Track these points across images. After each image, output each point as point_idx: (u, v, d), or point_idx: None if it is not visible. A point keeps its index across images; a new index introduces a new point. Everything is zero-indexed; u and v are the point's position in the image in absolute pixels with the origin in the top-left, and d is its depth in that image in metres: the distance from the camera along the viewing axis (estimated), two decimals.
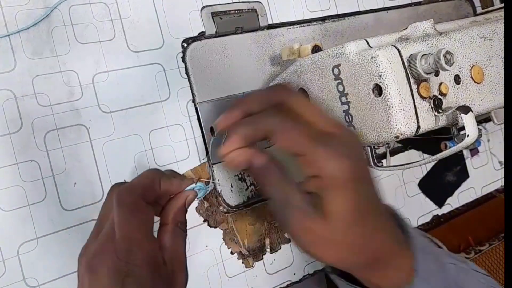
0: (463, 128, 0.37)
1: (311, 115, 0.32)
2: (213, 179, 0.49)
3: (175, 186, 0.36)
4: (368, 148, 0.46)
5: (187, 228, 0.51)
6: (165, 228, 0.34)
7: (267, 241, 0.56)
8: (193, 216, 0.52)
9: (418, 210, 0.69)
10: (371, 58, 0.36)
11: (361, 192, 0.31)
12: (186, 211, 0.36)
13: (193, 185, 0.37)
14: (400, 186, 0.67)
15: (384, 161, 0.60)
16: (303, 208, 0.31)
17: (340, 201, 0.30)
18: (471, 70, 0.40)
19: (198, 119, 0.53)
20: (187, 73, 0.53)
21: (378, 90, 0.37)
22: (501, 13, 0.50)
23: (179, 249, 0.33)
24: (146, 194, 0.33)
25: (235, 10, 0.56)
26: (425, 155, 0.69)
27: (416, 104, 0.37)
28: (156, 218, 0.37)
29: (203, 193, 0.38)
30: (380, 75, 0.36)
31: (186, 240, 0.34)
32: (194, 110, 0.53)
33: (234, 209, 0.54)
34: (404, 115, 0.36)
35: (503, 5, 0.61)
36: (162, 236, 0.34)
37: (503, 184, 0.77)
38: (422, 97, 0.37)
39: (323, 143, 0.31)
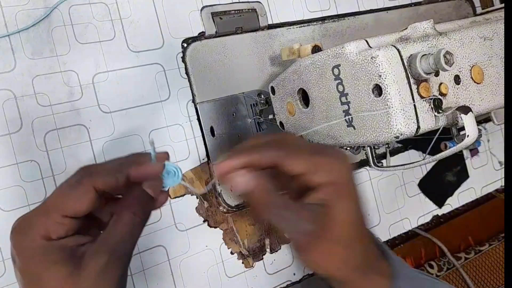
0: (463, 128, 0.37)
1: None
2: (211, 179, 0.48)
3: (150, 170, 0.33)
4: (368, 148, 0.46)
5: (187, 228, 0.52)
6: (117, 211, 0.32)
7: (267, 241, 0.56)
8: (193, 216, 0.52)
9: (418, 210, 0.69)
10: (371, 58, 0.36)
11: (359, 195, 0.32)
12: (151, 200, 0.32)
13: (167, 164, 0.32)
14: (400, 186, 0.67)
15: (384, 161, 0.60)
16: (305, 231, 0.31)
17: (346, 204, 0.31)
18: (471, 70, 0.40)
19: (198, 119, 0.53)
20: (187, 73, 0.53)
21: (378, 90, 0.37)
22: (501, 13, 0.50)
23: (113, 233, 0.30)
24: (100, 182, 0.31)
25: (235, 10, 0.56)
26: (425, 155, 0.69)
27: (416, 104, 0.37)
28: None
29: (172, 181, 0.33)
30: (380, 75, 0.36)
31: (134, 229, 0.31)
32: (194, 110, 0.53)
33: (234, 209, 0.54)
34: (404, 115, 0.36)
35: (503, 5, 0.61)
36: (112, 219, 0.31)
37: (503, 184, 0.77)
38: (422, 97, 0.37)
39: (322, 154, 0.31)
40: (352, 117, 0.40)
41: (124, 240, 0.30)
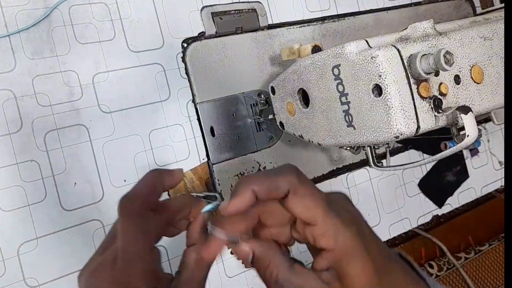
0: (463, 128, 0.37)
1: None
2: (216, 192, 0.48)
3: (182, 201, 0.33)
4: (368, 148, 0.46)
5: None
6: (192, 248, 0.32)
7: None
8: None
9: (418, 210, 0.69)
10: (371, 58, 0.36)
11: (370, 249, 0.31)
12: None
13: (210, 206, 0.34)
14: (400, 186, 0.67)
15: (384, 161, 0.60)
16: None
17: (355, 268, 0.30)
18: (471, 70, 0.40)
19: (198, 119, 0.53)
20: (187, 73, 0.53)
21: (378, 90, 0.37)
22: (501, 13, 0.50)
23: (198, 273, 0.31)
24: (148, 201, 0.30)
25: (235, 10, 0.56)
26: (425, 155, 0.69)
27: (416, 104, 0.37)
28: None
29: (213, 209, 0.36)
30: (380, 75, 0.36)
31: (206, 274, 0.32)
32: (194, 110, 0.53)
33: None
34: (404, 115, 0.36)
35: (503, 5, 0.61)
36: (187, 255, 0.32)
37: (503, 184, 0.77)
38: (422, 97, 0.37)
39: (333, 215, 0.30)
40: (352, 117, 0.40)
41: (207, 273, 0.31)
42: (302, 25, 0.60)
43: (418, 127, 0.37)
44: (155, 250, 0.30)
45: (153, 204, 0.31)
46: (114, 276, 0.28)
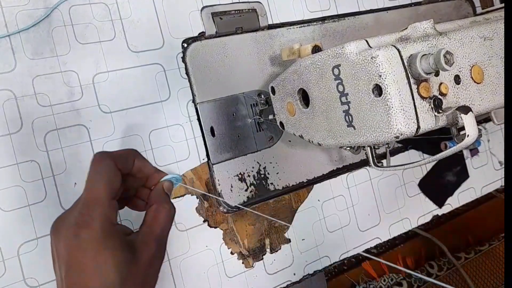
0: (463, 128, 0.37)
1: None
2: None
3: (148, 168, 0.39)
4: (368, 148, 0.46)
5: (187, 228, 0.52)
6: (151, 207, 0.37)
7: (267, 241, 0.56)
8: (193, 216, 0.52)
9: (418, 210, 0.69)
10: (371, 58, 0.36)
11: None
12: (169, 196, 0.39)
13: (169, 175, 0.40)
14: (400, 186, 0.67)
15: (384, 161, 0.60)
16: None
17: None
18: (471, 70, 0.40)
19: (198, 119, 0.53)
20: (187, 73, 0.53)
21: (378, 90, 0.37)
22: (501, 13, 0.50)
23: (155, 224, 0.35)
24: (120, 162, 0.35)
25: (235, 10, 0.56)
26: (425, 155, 0.69)
27: (416, 104, 0.37)
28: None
29: (176, 184, 0.41)
30: (380, 75, 0.36)
31: (170, 220, 0.37)
32: (194, 110, 0.53)
33: (234, 209, 0.54)
34: (404, 115, 0.36)
35: (503, 5, 0.61)
36: (147, 212, 0.36)
37: (503, 184, 0.77)
38: (422, 97, 0.37)
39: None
40: (352, 117, 0.40)
41: (165, 230, 0.35)
42: (302, 25, 0.61)
43: (418, 127, 0.37)
44: (113, 202, 0.34)
45: (122, 169, 0.35)
46: (76, 218, 0.32)
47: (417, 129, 0.37)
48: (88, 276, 0.31)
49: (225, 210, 0.54)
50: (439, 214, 0.70)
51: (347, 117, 0.41)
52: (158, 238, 0.34)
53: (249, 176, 0.55)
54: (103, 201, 0.33)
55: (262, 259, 0.56)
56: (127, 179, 0.37)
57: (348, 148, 0.49)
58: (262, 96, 0.56)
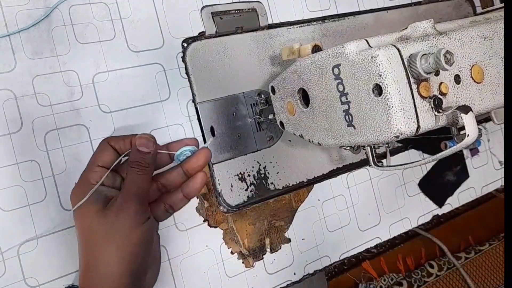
0: (463, 127, 0.37)
1: None
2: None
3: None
4: (368, 147, 0.46)
5: (187, 228, 0.52)
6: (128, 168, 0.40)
7: (267, 241, 0.56)
8: (193, 216, 0.52)
9: (418, 210, 0.69)
10: (371, 58, 0.36)
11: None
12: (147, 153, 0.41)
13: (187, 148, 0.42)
14: (400, 186, 0.67)
15: (384, 161, 0.60)
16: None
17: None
18: (471, 70, 0.40)
19: (198, 119, 0.53)
20: (187, 73, 0.53)
21: (378, 90, 0.37)
22: (501, 13, 0.50)
23: (128, 183, 0.39)
24: (113, 141, 0.41)
25: (235, 10, 0.56)
26: (425, 155, 0.69)
27: (416, 104, 0.37)
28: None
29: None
30: (380, 75, 0.36)
31: (140, 177, 0.39)
32: (194, 110, 0.53)
33: (234, 209, 0.54)
34: (404, 115, 0.36)
35: (503, 5, 0.61)
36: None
37: (503, 184, 0.77)
38: (422, 97, 0.37)
39: None
40: (352, 117, 0.40)
41: (131, 184, 0.39)
42: (302, 24, 0.61)
43: (418, 126, 0.37)
44: (98, 168, 0.40)
45: (115, 144, 0.41)
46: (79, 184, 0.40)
47: (417, 129, 0.37)
48: (76, 226, 0.39)
49: (225, 210, 0.54)
50: (439, 214, 0.71)
51: (347, 116, 0.41)
52: (125, 191, 0.38)
53: (249, 175, 0.55)
54: (89, 166, 0.40)
55: (262, 258, 0.56)
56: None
57: (348, 148, 0.49)
58: (262, 96, 0.56)
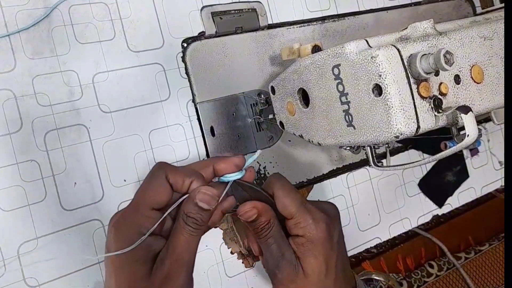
0: (463, 128, 0.37)
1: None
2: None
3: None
4: (368, 147, 0.46)
5: None
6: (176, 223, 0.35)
7: None
8: None
9: (418, 210, 0.69)
10: (371, 58, 0.36)
11: (331, 252, 0.37)
12: (205, 209, 0.36)
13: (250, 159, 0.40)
14: (400, 186, 0.67)
15: (384, 161, 0.60)
16: (293, 263, 0.37)
17: (313, 260, 0.37)
18: (471, 70, 0.40)
19: (198, 119, 0.53)
20: (187, 73, 0.53)
21: (378, 90, 0.37)
22: (501, 13, 0.50)
23: (179, 246, 0.34)
24: (173, 177, 0.35)
25: (235, 10, 0.56)
26: (425, 155, 0.69)
27: (416, 104, 0.37)
28: None
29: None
30: (380, 75, 0.36)
31: (194, 239, 0.34)
32: (194, 110, 0.53)
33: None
34: (404, 115, 0.36)
35: (503, 5, 0.61)
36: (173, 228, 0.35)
37: (503, 184, 0.77)
38: (422, 97, 0.37)
39: (305, 211, 0.38)
40: (352, 117, 0.40)
41: (183, 249, 0.34)
42: (302, 25, 0.61)
43: (418, 127, 0.37)
44: (151, 212, 0.34)
45: (174, 181, 0.35)
46: (117, 215, 0.35)
47: (417, 129, 0.37)
48: (107, 279, 0.33)
49: None
50: (439, 214, 0.71)
51: (347, 116, 0.41)
52: (175, 257, 0.33)
53: None
54: (139, 208, 0.33)
55: None
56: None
57: (348, 148, 0.49)
58: (262, 96, 0.56)
